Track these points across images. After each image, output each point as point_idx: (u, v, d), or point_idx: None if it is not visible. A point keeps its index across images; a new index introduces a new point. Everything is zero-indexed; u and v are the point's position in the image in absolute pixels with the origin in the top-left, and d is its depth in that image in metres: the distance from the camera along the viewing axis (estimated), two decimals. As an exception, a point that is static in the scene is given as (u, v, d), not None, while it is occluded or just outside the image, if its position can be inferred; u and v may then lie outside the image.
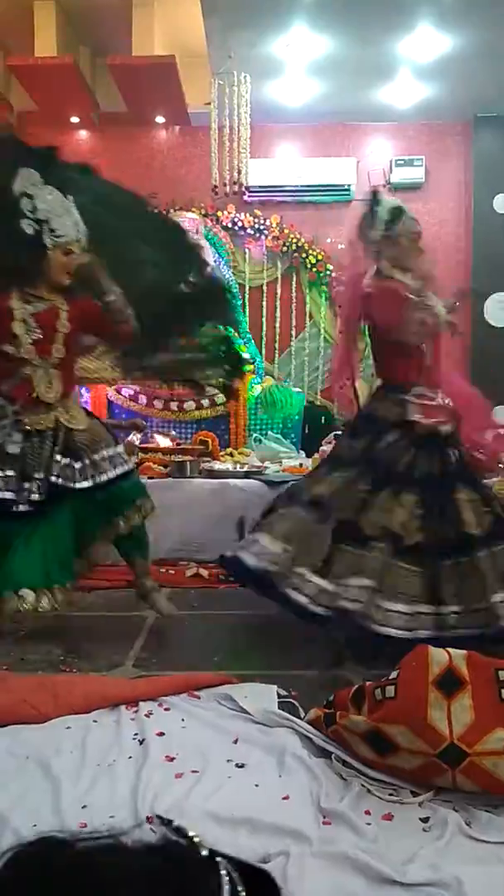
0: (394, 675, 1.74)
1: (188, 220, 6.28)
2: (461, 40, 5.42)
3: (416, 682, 1.67)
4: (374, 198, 3.04)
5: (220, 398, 5.68)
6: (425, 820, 1.60)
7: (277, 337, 6.80)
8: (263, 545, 2.86)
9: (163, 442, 4.98)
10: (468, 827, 1.56)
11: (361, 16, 5.11)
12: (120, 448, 3.01)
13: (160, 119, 6.76)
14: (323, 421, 6.02)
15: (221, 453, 4.99)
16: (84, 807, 1.59)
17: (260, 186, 6.59)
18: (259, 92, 5.94)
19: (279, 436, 5.47)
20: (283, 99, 6.31)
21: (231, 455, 4.99)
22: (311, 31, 5.33)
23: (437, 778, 1.64)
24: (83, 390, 5.72)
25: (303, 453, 5.24)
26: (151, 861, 0.44)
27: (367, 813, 1.60)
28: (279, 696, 2.16)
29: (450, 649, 1.73)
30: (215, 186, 6.03)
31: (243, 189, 6.35)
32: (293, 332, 6.78)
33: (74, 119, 6.78)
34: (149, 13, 5.83)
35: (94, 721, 2.00)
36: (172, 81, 5.91)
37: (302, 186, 6.69)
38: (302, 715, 2.01)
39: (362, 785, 1.70)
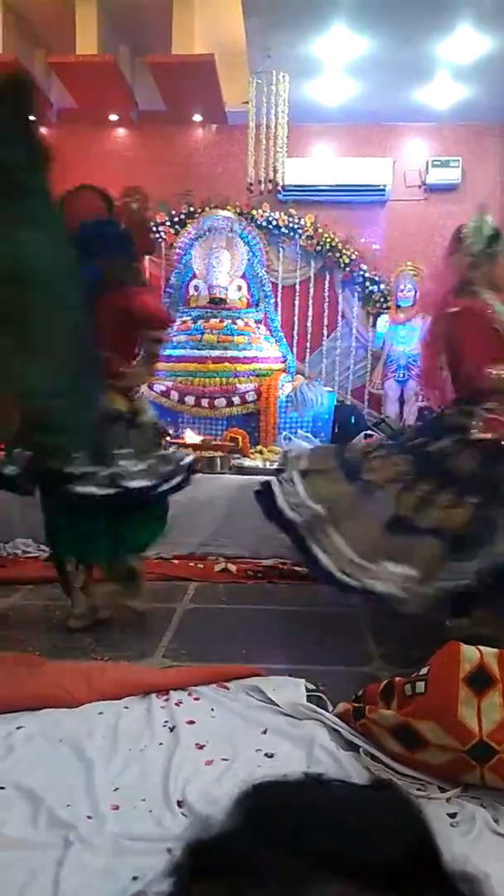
0: (424, 671, 1.75)
1: (222, 219, 6.32)
2: (500, 42, 5.39)
3: (447, 678, 1.68)
4: (480, 215, 3.03)
5: (251, 396, 5.72)
6: (453, 815, 1.61)
7: (309, 336, 6.80)
8: (301, 496, 2.87)
9: (193, 438, 5.02)
10: (496, 823, 1.57)
11: (400, 16, 5.10)
12: None
13: (198, 117, 6.80)
14: (353, 420, 6.01)
15: (251, 450, 5.01)
16: (116, 789, 1.63)
17: (295, 185, 6.60)
18: (297, 91, 5.95)
19: (309, 434, 5.49)
20: (321, 98, 6.31)
21: (261, 452, 5.01)
22: (350, 32, 5.33)
23: (465, 774, 1.65)
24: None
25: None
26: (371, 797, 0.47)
27: (395, 806, 1.62)
28: (307, 689, 2.18)
29: (482, 647, 1.74)
30: (251, 185, 6.05)
31: (278, 188, 6.37)
32: (325, 332, 6.78)
33: (113, 117, 6.84)
34: (189, 12, 5.87)
35: (126, 707, 2.04)
36: (211, 80, 5.94)
37: (337, 186, 6.68)
38: (330, 709, 2.03)
39: (390, 779, 1.71)
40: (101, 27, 5.98)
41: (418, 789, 1.68)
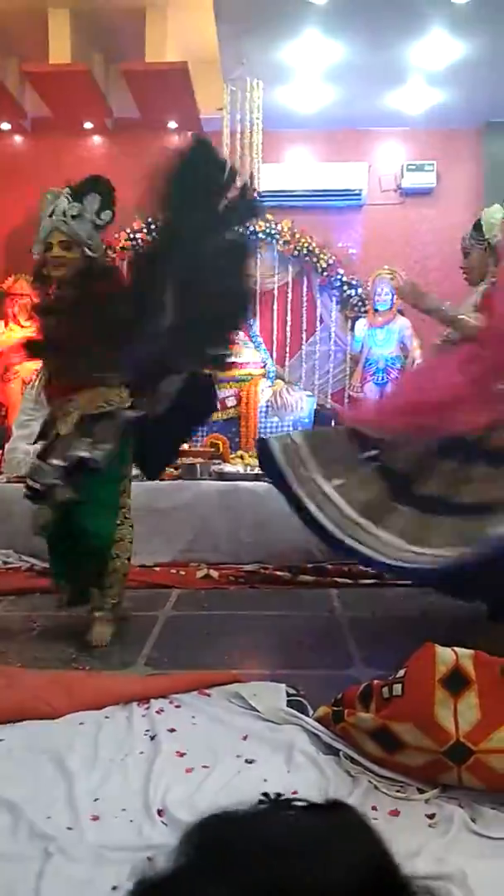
0: (401, 673, 1.77)
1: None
2: (473, 46, 5.44)
3: (423, 680, 1.70)
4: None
5: (232, 401, 5.74)
6: (431, 816, 1.62)
7: (288, 340, 6.82)
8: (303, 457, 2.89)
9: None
10: (473, 823, 1.58)
11: (374, 22, 5.15)
12: None
13: (173, 125, 6.81)
14: (333, 424, 6.03)
15: (232, 456, 5.02)
16: (96, 799, 1.63)
17: (272, 191, 6.62)
18: (271, 98, 5.98)
19: (289, 439, 5.50)
20: (296, 104, 6.34)
21: (241, 458, 5.02)
22: (324, 37, 5.37)
23: (443, 775, 1.67)
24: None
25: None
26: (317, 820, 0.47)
27: (374, 808, 1.63)
28: (288, 694, 2.18)
29: (457, 648, 1.76)
30: (227, 192, 6.06)
31: (255, 194, 6.39)
32: (304, 336, 6.81)
33: (88, 125, 6.84)
34: (162, 20, 5.89)
35: (107, 717, 2.04)
36: (185, 87, 5.96)
37: (313, 191, 6.72)
38: (310, 713, 2.04)
39: (370, 781, 1.73)
40: (74, 35, 5.98)
41: (397, 791, 1.70)
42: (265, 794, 0.50)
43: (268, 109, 5.93)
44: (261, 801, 0.49)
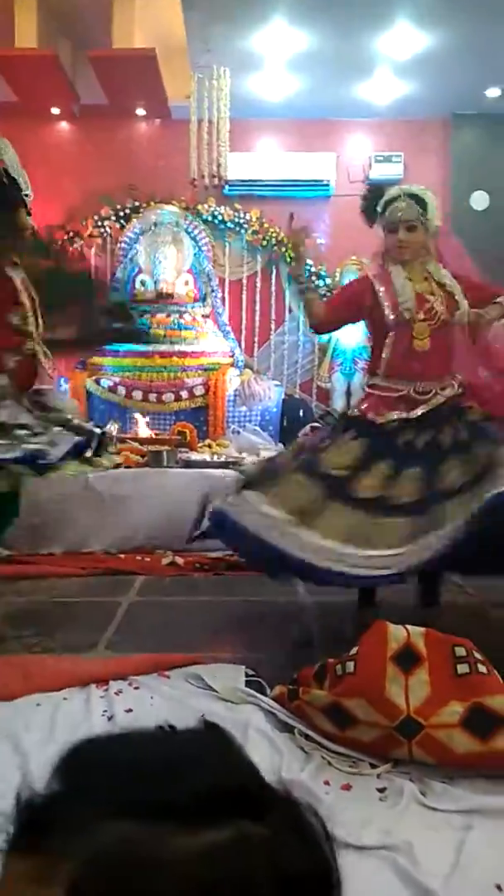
0: (354, 651, 1.80)
1: (167, 213, 6.33)
2: (439, 38, 5.48)
3: (375, 657, 1.73)
4: (374, 194, 2.99)
5: (200, 390, 5.74)
6: (382, 790, 1.65)
7: (257, 330, 6.84)
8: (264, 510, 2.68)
9: (145, 431, 5.02)
10: (423, 797, 1.61)
11: (339, 11, 5.16)
12: None
13: (141, 112, 6.78)
14: (301, 414, 6.07)
15: (199, 444, 5.03)
16: (51, 778, 1.63)
17: (240, 180, 6.63)
18: (239, 86, 5.97)
19: (257, 428, 5.53)
20: (263, 93, 6.35)
21: (209, 446, 5.03)
22: (290, 26, 5.37)
23: (394, 750, 1.70)
24: (62, 380, 5.75)
25: (281, 446, 5.28)
26: (196, 741, 0.49)
27: (327, 783, 1.66)
28: (247, 675, 2.20)
29: (409, 626, 1.79)
30: (194, 179, 6.06)
31: (223, 182, 6.39)
32: (273, 326, 6.82)
33: (55, 110, 6.79)
34: (129, 6, 5.85)
35: (65, 699, 2.04)
36: (153, 74, 5.93)
37: (281, 181, 6.73)
38: (268, 693, 2.06)
39: (323, 757, 1.75)
40: (41, 21, 5.92)
41: (350, 766, 1.72)
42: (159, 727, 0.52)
43: (236, 98, 5.93)
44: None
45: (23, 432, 2.54)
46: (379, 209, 2.92)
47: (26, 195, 2.59)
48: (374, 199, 2.97)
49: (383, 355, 2.86)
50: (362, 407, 2.90)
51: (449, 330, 2.83)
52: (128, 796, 0.42)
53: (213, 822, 0.43)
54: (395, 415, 2.79)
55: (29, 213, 2.64)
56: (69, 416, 2.83)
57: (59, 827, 0.43)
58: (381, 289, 2.85)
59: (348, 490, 2.66)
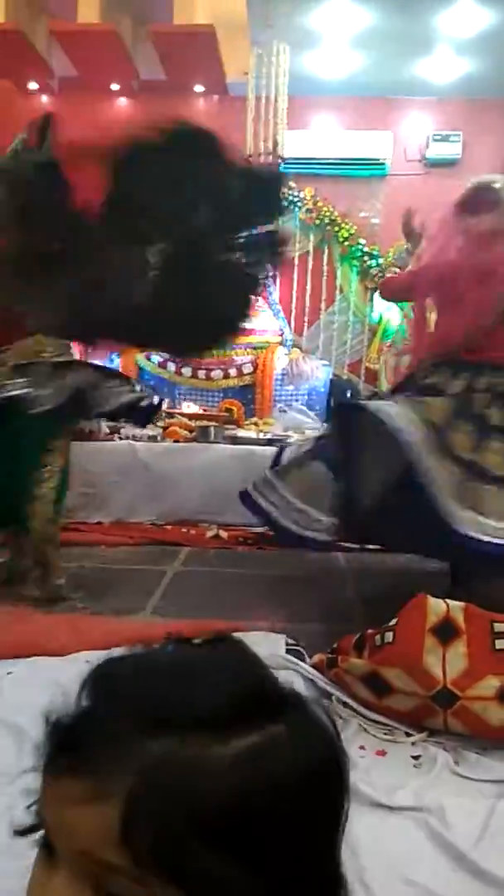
0: (393, 622, 1.84)
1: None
2: (502, 15, 5.37)
3: (414, 628, 1.77)
4: None
5: (248, 368, 5.78)
6: (416, 757, 1.70)
7: (307, 309, 6.84)
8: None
9: (190, 409, 5.09)
10: (456, 766, 1.66)
11: (402, -12, 5.09)
12: None
13: (199, 88, 6.78)
14: (348, 394, 6.07)
15: (246, 422, 5.08)
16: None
17: (295, 158, 6.59)
18: (297, 63, 5.93)
19: (303, 407, 5.55)
20: (322, 71, 6.29)
21: (255, 424, 5.08)
22: (352, 3, 5.32)
23: (429, 719, 1.74)
24: (114, 355, 5.85)
25: (326, 425, 5.31)
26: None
27: (362, 748, 1.72)
28: (287, 644, 2.26)
29: (449, 601, 1.82)
30: (249, 156, 6.05)
31: (279, 160, 6.37)
32: (323, 306, 6.81)
33: (114, 86, 6.82)
34: (191, -19, 5.85)
35: (112, 657, 2.13)
36: (212, 51, 5.93)
37: (337, 159, 6.68)
38: (307, 661, 2.12)
39: (359, 724, 1.81)
40: (103, -4, 5.96)
41: (385, 733, 1.78)
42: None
43: (294, 75, 5.89)
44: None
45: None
46: None
47: None
48: None
49: None
50: None
51: None
52: (159, 709, 0.48)
53: (238, 728, 0.48)
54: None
55: None
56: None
57: (100, 744, 0.48)
58: None
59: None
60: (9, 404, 2.55)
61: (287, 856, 0.47)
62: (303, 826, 0.48)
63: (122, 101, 7.01)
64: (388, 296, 3.67)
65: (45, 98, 7.06)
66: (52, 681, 1.94)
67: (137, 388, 2.97)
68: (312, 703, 0.54)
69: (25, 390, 2.54)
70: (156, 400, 3.00)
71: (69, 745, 0.50)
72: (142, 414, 2.97)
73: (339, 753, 0.53)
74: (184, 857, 0.44)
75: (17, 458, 2.68)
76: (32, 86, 6.88)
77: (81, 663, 2.10)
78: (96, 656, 1.79)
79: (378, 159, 6.68)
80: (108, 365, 2.97)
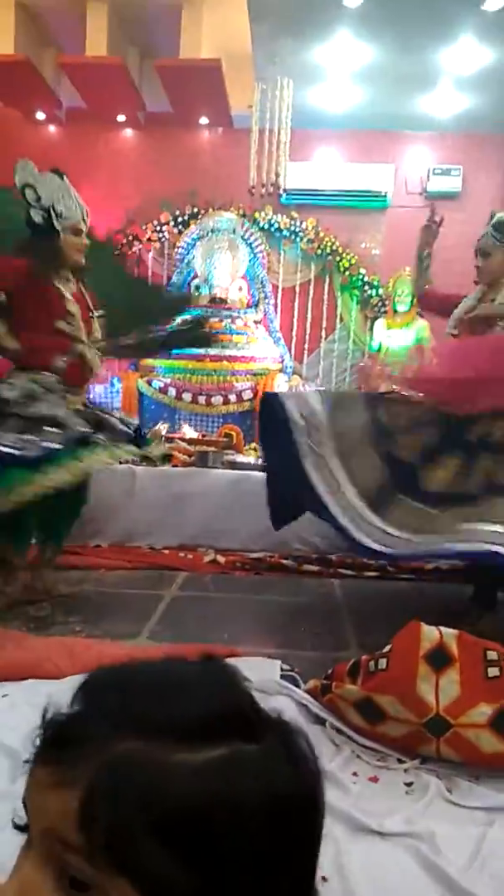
0: (387, 648, 1.85)
1: (225, 220, 6.44)
2: (501, 53, 5.49)
3: (408, 655, 1.78)
4: None
5: (248, 394, 5.83)
6: (409, 784, 1.70)
7: (307, 337, 6.91)
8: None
9: (190, 433, 5.12)
10: (449, 793, 1.66)
11: (404, 26, 5.22)
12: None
13: (204, 120, 6.91)
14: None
15: (245, 447, 5.11)
16: (92, 751, 1.72)
17: (298, 189, 6.71)
18: (301, 97, 6.07)
19: (303, 434, 5.58)
20: (325, 104, 6.43)
21: (255, 450, 5.10)
22: (355, 39, 5.45)
23: (422, 746, 1.75)
24: (115, 380, 5.90)
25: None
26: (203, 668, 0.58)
27: (355, 774, 1.72)
28: (282, 669, 2.27)
29: (442, 628, 1.84)
30: (252, 187, 6.16)
31: (281, 191, 6.48)
32: (323, 334, 6.89)
33: (121, 117, 6.96)
34: (197, 17, 5.98)
35: (107, 681, 2.14)
36: (217, 84, 6.05)
37: (339, 191, 6.79)
38: (302, 687, 2.12)
39: (352, 751, 1.81)
40: (111, 29, 6.09)
41: (378, 760, 1.78)
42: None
43: (297, 108, 6.02)
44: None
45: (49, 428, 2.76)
46: None
47: (66, 218, 2.89)
48: None
49: None
50: None
51: None
52: (136, 715, 0.51)
53: (209, 742, 0.51)
54: None
55: (79, 232, 2.94)
56: (110, 413, 3.11)
57: (76, 740, 0.52)
58: None
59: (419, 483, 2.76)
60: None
61: (245, 872, 0.49)
62: (265, 846, 0.50)
63: (129, 132, 7.14)
64: (428, 307, 3.76)
65: (52, 128, 7.19)
66: (49, 703, 1.95)
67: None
68: (296, 732, 0.56)
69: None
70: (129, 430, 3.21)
71: (51, 740, 0.53)
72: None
73: (311, 783, 0.55)
74: (136, 850, 0.48)
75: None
76: (40, 115, 7.02)
77: (77, 686, 2.11)
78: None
79: (379, 192, 6.79)
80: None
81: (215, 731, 0.51)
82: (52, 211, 2.86)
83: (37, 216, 2.87)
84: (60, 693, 1.77)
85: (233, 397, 5.78)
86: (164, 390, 5.88)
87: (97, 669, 0.57)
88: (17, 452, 2.61)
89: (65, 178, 2.95)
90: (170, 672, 0.57)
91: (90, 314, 3.01)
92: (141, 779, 0.49)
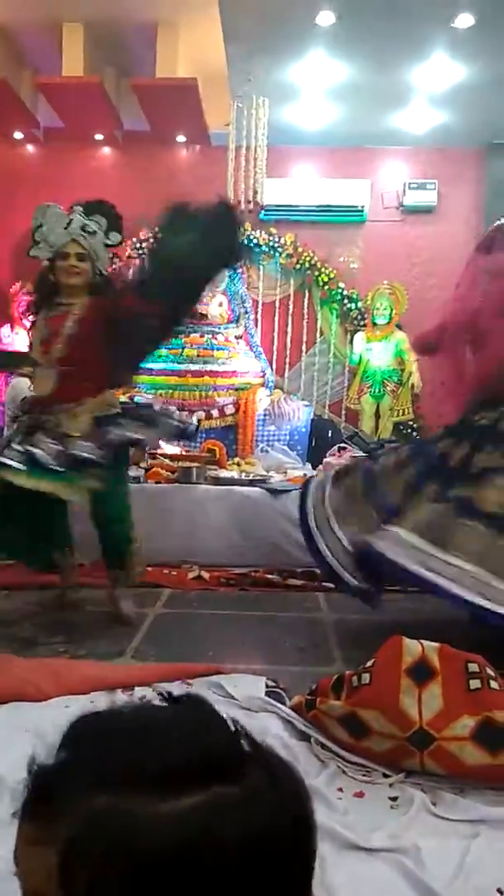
0: (370, 663, 1.86)
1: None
2: (474, 70, 5.58)
3: (390, 670, 1.79)
4: None
5: (230, 409, 5.85)
6: (394, 798, 1.71)
7: (288, 351, 6.94)
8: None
9: (171, 449, 5.12)
10: (433, 806, 1.67)
11: (377, 44, 5.28)
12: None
13: (181, 138, 6.96)
14: (329, 434, 6.15)
15: (228, 462, 5.12)
16: (77, 773, 1.72)
17: (276, 205, 6.76)
18: (277, 114, 6.12)
19: (286, 447, 5.61)
20: (300, 122, 6.49)
21: (238, 464, 5.12)
22: (329, 58, 5.50)
23: (406, 760, 1.76)
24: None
25: (308, 465, 5.36)
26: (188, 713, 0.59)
27: (340, 790, 1.73)
28: (267, 686, 2.27)
29: (424, 641, 1.85)
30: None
31: (259, 207, 6.52)
32: (304, 348, 6.93)
33: (98, 136, 6.99)
34: (173, 36, 6.03)
35: (92, 702, 2.13)
36: (194, 103, 6.10)
37: (316, 206, 6.85)
38: (287, 703, 2.13)
39: (338, 766, 1.82)
40: (87, 49, 6.12)
41: (363, 775, 1.79)
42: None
43: (274, 126, 6.07)
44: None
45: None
46: None
47: (52, 246, 3.04)
48: None
49: None
50: None
51: None
52: (113, 768, 0.52)
53: (187, 788, 0.51)
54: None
55: (66, 256, 3.03)
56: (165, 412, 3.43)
57: (55, 795, 0.52)
58: None
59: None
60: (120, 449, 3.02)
61: None
62: (250, 890, 0.50)
63: (106, 151, 7.17)
64: (423, 351, 3.70)
65: (30, 147, 7.22)
66: (31, 726, 1.94)
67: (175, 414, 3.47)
68: (281, 764, 0.56)
69: (139, 435, 3.07)
70: (194, 422, 3.54)
71: (33, 793, 0.54)
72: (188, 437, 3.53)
73: (299, 816, 0.54)
74: None
75: (121, 491, 3.20)
76: (18, 135, 7.04)
77: (61, 708, 2.11)
78: (76, 701, 1.82)
79: (356, 206, 6.85)
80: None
81: (193, 776, 0.51)
82: (44, 243, 3.05)
83: (40, 252, 3.08)
84: (42, 718, 1.76)
85: (215, 412, 5.79)
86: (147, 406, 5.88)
87: (78, 718, 0.57)
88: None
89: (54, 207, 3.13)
90: (147, 717, 0.57)
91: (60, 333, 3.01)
92: (115, 834, 0.49)
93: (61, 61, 6.12)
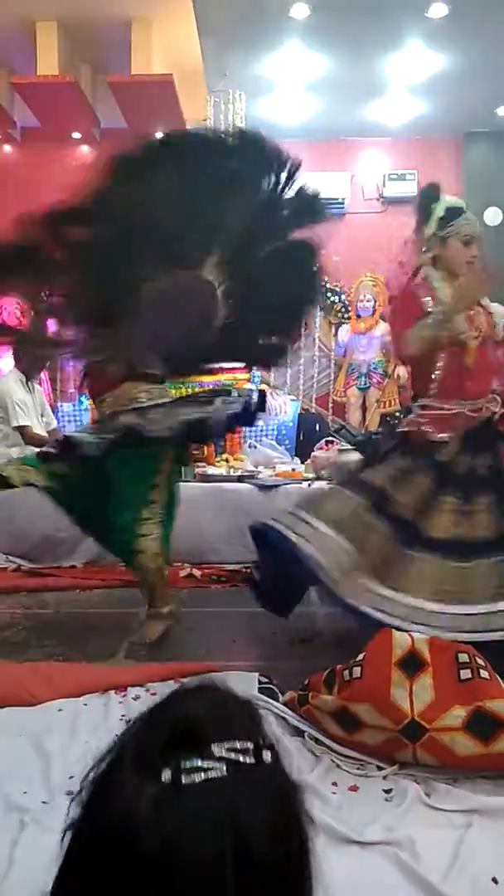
0: (360, 657, 1.87)
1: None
2: (451, 59, 5.59)
3: (381, 662, 1.80)
4: (430, 193, 2.88)
5: (217, 406, 5.83)
6: (388, 791, 1.72)
7: (273, 346, 6.93)
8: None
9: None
10: (427, 797, 1.68)
11: (353, 35, 5.28)
12: None
13: (159, 134, 6.90)
14: (317, 428, 6.15)
15: (217, 459, 5.11)
16: (71, 777, 1.71)
17: (256, 200, 6.75)
18: (254, 109, 6.11)
19: (273, 442, 5.61)
20: (278, 115, 6.48)
21: (226, 461, 5.11)
22: (306, 50, 5.50)
23: (399, 752, 1.77)
24: (83, 398, 5.88)
25: (297, 459, 5.36)
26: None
27: (335, 784, 1.73)
28: (260, 682, 2.28)
29: (413, 633, 1.86)
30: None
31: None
32: (289, 342, 6.92)
33: (76, 134, 6.96)
34: (147, 33, 6.00)
35: (85, 704, 2.13)
36: (170, 99, 6.07)
37: (297, 200, 6.83)
38: (280, 699, 2.14)
39: (332, 760, 1.83)
40: (61, 47, 6.08)
41: (357, 768, 1.80)
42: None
43: (251, 120, 6.06)
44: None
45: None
46: (440, 214, 2.78)
47: None
48: (430, 199, 2.86)
49: (435, 374, 2.72)
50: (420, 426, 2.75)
51: (487, 345, 2.76)
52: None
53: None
54: (447, 436, 2.68)
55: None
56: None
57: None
58: (430, 304, 2.71)
59: (423, 532, 2.55)
60: (120, 439, 2.74)
61: None
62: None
63: (84, 149, 7.13)
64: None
65: (7, 147, 7.17)
66: (26, 731, 1.94)
67: (234, 394, 3.12)
68: (278, 770, 0.57)
69: (137, 421, 2.75)
70: (255, 396, 3.13)
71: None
72: (250, 415, 3.13)
73: (294, 856, 0.55)
74: None
75: (126, 495, 2.85)
76: (-6, 136, 7.00)
77: (54, 712, 2.11)
78: (70, 704, 1.81)
79: (337, 199, 6.84)
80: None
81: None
82: None
83: None
84: (35, 722, 1.76)
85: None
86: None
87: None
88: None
89: None
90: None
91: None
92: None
93: (36, 60, 6.08)
